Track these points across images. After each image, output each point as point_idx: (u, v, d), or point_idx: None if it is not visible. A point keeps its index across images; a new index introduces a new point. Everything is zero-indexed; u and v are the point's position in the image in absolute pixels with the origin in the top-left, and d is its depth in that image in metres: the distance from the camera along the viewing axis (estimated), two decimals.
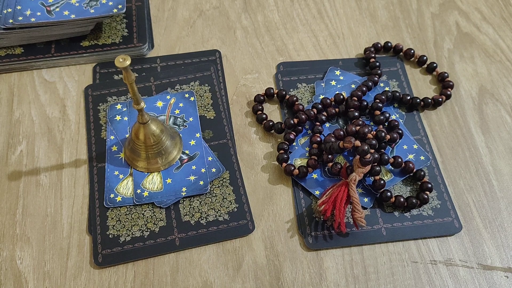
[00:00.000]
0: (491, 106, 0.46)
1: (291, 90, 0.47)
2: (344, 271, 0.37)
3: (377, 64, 0.47)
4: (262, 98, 0.45)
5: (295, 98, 0.45)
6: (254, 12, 0.52)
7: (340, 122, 0.44)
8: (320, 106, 0.44)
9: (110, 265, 0.37)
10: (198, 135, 0.43)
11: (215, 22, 0.51)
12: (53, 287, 0.36)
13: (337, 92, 0.45)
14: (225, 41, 0.50)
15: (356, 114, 0.43)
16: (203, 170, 0.41)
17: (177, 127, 0.43)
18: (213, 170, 0.41)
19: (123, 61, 0.32)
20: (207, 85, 0.46)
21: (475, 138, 0.44)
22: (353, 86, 0.46)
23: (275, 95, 0.46)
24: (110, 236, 0.38)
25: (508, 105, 0.46)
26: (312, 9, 0.53)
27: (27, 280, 0.36)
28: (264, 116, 0.44)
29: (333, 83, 0.47)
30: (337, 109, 0.44)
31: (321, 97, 0.44)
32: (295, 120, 0.42)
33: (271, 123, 0.43)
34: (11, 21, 0.45)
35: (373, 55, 0.47)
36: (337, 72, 0.47)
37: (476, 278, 0.37)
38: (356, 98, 0.44)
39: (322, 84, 0.46)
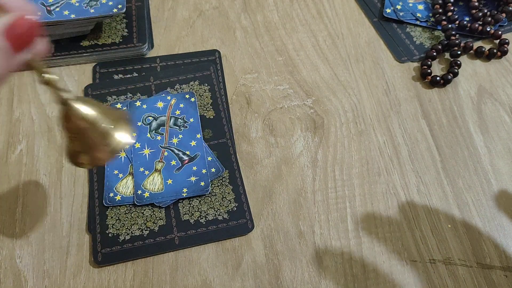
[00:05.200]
0: (490, 106, 0.46)
1: None
2: (343, 270, 0.37)
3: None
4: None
5: None
6: (253, 12, 0.52)
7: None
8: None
9: (109, 264, 0.37)
10: (198, 136, 0.43)
11: (215, 22, 0.51)
12: (53, 286, 0.36)
13: None
14: (225, 41, 0.50)
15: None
16: (204, 171, 0.41)
17: (177, 128, 0.44)
18: (213, 170, 0.41)
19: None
20: (206, 84, 0.46)
21: (474, 137, 0.44)
22: None
23: None
24: (110, 235, 0.38)
25: (507, 105, 0.46)
26: (311, 9, 0.53)
27: (26, 278, 0.36)
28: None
29: None
30: None
31: None
32: None
33: None
34: None
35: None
36: None
37: (475, 277, 0.37)
38: None
39: None
